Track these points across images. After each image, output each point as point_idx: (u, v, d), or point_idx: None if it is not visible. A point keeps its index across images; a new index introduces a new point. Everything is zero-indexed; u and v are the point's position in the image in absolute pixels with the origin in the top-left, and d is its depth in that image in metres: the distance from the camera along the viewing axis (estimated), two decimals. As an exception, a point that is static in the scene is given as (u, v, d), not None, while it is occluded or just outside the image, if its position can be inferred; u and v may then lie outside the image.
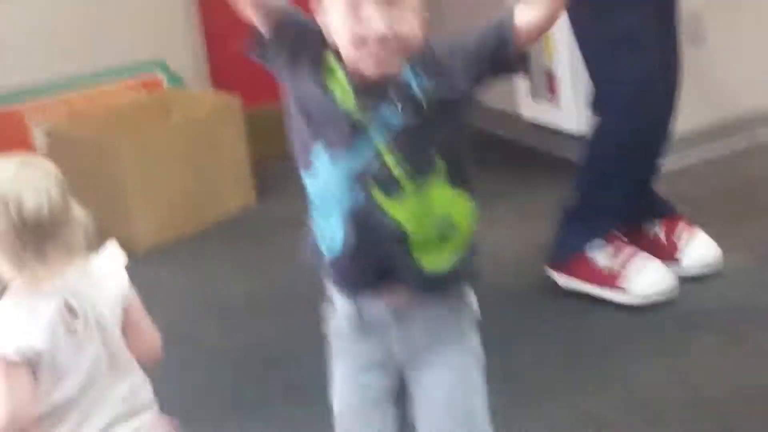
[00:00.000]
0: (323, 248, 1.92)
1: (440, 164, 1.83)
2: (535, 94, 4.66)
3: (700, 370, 3.09)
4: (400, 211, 1.85)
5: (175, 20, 4.90)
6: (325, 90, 1.80)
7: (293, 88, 1.84)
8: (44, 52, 4.51)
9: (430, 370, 1.94)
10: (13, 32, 4.45)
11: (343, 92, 1.81)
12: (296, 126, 1.86)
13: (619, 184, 3.46)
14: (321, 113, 1.82)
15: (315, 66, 1.83)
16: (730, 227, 3.67)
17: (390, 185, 1.83)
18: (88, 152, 4.27)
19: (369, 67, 1.77)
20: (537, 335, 3.35)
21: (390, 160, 1.82)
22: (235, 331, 3.60)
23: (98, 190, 4.07)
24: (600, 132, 3.48)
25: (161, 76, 4.71)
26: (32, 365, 1.90)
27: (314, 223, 1.94)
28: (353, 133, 1.81)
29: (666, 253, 3.48)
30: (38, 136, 4.43)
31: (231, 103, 4.58)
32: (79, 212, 1.98)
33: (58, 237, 1.89)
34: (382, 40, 1.70)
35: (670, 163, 3.84)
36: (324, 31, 1.81)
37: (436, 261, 1.88)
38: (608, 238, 3.41)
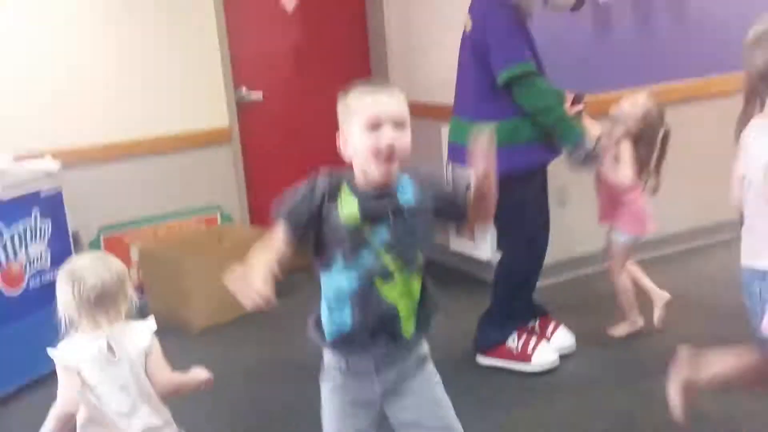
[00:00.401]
0: (334, 329, 2.02)
1: (420, 259, 2.02)
2: (459, 234, 4.88)
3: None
4: (392, 292, 1.99)
5: (228, 182, 5.05)
6: (339, 219, 1.93)
7: (320, 229, 1.96)
8: (142, 199, 4.75)
9: (410, 390, 2.08)
10: (125, 186, 4.68)
11: (352, 216, 1.93)
12: (319, 245, 1.99)
13: (520, 296, 3.76)
14: (338, 234, 1.94)
15: (333, 202, 1.96)
16: (579, 323, 3.98)
17: (386, 275, 1.97)
18: (166, 265, 4.51)
19: (380, 174, 1.92)
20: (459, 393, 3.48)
21: (387, 259, 1.96)
22: (257, 385, 3.76)
23: (171, 289, 4.43)
24: (505, 263, 3.79)
25: (217, 216, 4.98)
26: (77, 378, 2.20)
27: (325, 313, 2.05)
28: (361, 244, 1.94)
29: (540, 338, 3.78)
30: (134, 253, 4.73)
31: (262, 233, 4.71)
32: (130, 293, 2.36)
33: (105, 306, 2.26)
34: (391, 148, 1.87)
35: (542, 282, 4.07)
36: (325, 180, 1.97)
37: (412, 327, 2.03)
38: (518, 331, 3.71)
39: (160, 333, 4.20)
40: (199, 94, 4.90)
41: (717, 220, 4.86)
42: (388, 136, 1.87)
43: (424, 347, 2.14)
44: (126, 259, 4.61)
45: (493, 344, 3.74)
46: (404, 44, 5.39)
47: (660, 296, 4.00)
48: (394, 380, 2.08)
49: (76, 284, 2.26)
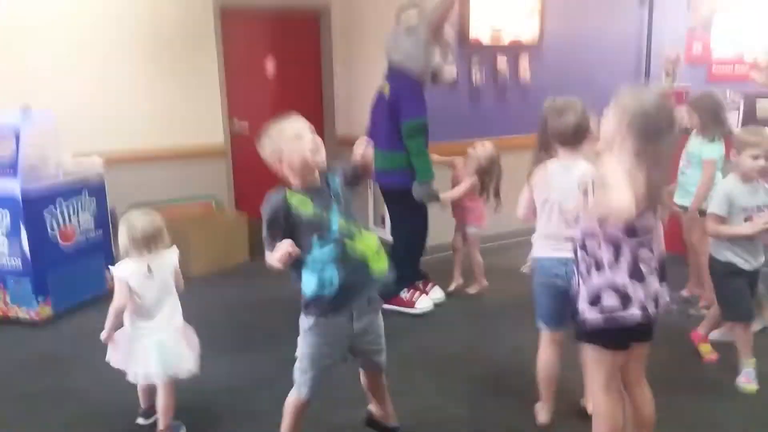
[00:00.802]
0: (324, 291, 1.93)
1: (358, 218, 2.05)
2: (375, 223, 5.04)
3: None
4: (359, 244, 1.97)
5: (221, 180, 5.07)
6: (305, 216, 1.92)
7: (294, 230, 1.92)
8: (160, 188, 4.73)
9: (372, 326, 2.09)
10: (148, 178, 4.70)
11: (309, 210, 1.91)
12: (294, 239, 1.90)
13: (408, 266, 3.76)
14: (310, 226, 1.92)
15: (291, 211, 1.92)
16: (447, 284, 4.05)
17: (351, 235, 1.95)
18: (175, 232, 3.97)
19: (310, 173, 1.93)
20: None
21: (345, 224, 1.96)
22: (235, 316, 3.73)
23: (181, 245, 4.30)
24: (395, 245, 3.80)
25: (212, 202, 4.97)
26: (126, 286, 2.37)
27: (312, 282, 1.94)
28: (326, 225, 1.93)
29: (422, 293, 3.85)
30: None
31: (242, 216, 4.84)
32: (165, 236, 2.47)
33: (148, 243, 2.39)
34: (317, 147, 1.93)
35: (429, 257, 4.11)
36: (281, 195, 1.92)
37: (382, 267, 2.00)
38: (408, 287, 3.79)
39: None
40: (205, 120, 4.93)
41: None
42: (309, 139, 1.95)
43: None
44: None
45: (391, 295, 3.73)
46: (345, 96, 5.42)
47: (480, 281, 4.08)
48: (364, 323, 2.05)
49: (131, 228, 2.40)
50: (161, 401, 2.48)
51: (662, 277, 1.97)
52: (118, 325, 2.46)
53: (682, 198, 3.57)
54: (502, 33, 4.87)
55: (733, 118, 4.46)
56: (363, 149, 2.18)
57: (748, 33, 5.70)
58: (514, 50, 5.01)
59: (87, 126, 4.35)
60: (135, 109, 4.63)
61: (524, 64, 5.06)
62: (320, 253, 1.95)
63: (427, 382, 2.98)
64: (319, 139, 1.98)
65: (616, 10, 5.52)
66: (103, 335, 2.44)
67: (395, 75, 3.63)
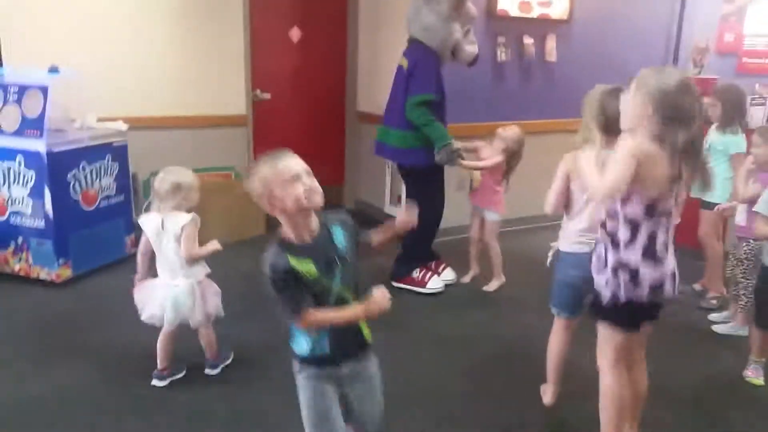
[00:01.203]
0: (316, 353, 1.77)
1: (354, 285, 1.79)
2: (391, 202, 5.05)
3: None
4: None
5: (241, 151, 5.00)
6: (305, 278, 1.68)
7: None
8: (182, 155, 4.22)
9: (362, 384, 1.85)
10: (170, 145, 4.61)
11: (312, 274, 1.69)
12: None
13: (421, 245, 3.84)
14: (308, 288, 1.70)
15: (294, 272, 1.68)
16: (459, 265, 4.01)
17: (345, 301, 1.74)
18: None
19: (305, 218, 1.70)
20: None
21: (342, 291, 1.74)
22: (252, 286, 3.65)
23: (199, 213, 4.48)
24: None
25: (231, 173, 4.97)
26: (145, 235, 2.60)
27: (303, 340, 1.77)
28: (326, 292, 1.72)
29: (433, 273, 3.88)
30: None
31: None
32: (194, 196, 2.63)
33: (170, 198, 2.56)
34: (312, 189, 1.68)
35: (440, 238, 4.17)
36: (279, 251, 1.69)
37: (367, 333, 1.84)
38: (420, 267, 3.83)
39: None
40: (229, 90, 4.90)
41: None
42: (304, 182, 1.69)
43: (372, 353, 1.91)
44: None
45: (403, 274, 3.84)
46: (368, 70, 5.36)
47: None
48: (353, 368, 1.84)
49: (160, 180, 2.58)
50: (203, 339, 2.78)
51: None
52: (145, 270, 2.69)
53: (699, 192, 3.53)
54: (532, 5, 4.82)
55: (760, 113, 4.42)
56: (405, 219, 1.94)
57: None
58: (542, 26, 4.96)
59: (112, 89, 4.36)
60: (160, 74, 4.64)
61: (551, 42, 5.01)
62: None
63: (436, 360, 3.03)
64: (315, 183, 1.73)
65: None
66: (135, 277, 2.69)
67: (413, 48, 3.61)
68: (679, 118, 1.84)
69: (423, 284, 3.81)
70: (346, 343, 1.81)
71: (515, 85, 4.98)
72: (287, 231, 1.73)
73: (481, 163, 3.78)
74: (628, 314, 2.02)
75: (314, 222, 1.75)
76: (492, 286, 3.95)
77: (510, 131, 3.79)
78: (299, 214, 1.70)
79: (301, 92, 5.40)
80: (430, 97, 3.52)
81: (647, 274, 1.95)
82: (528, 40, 4.91)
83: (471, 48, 3.73)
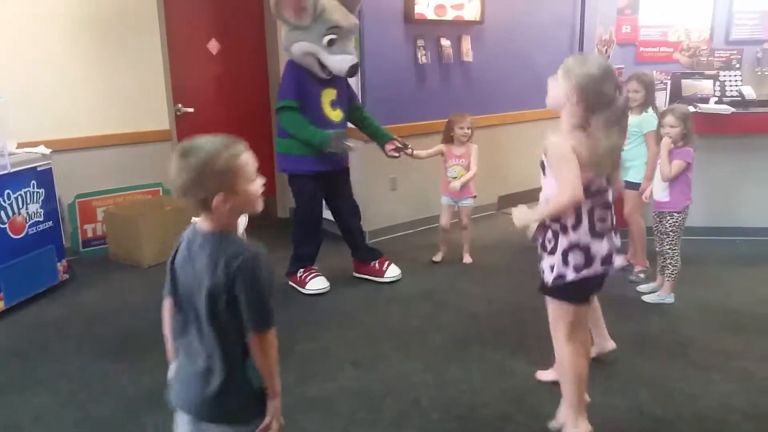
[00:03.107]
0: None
1: None
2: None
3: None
4: None
5: (166, 166, 4.89)
6: None
7: None
8: (107, 175, 4.70)
9: None
10: (94, 166, 4.64)
11: None
12: None
13: (303, 248, 3.91)
14: None
15: None
16: (406, 263, 4.14)
17: None
18: (124, 221, 4.44)
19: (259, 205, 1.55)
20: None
21: None
22: None
23: (128, 238, 4.38)
24: (292, 230, 3.95)
25: (160, 190, 4.91)
26: None
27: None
28: None
29: (380, 272, 4.00)
30: (99, 213, 4.67)
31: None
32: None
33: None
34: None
35: (386, 236, 4.39)
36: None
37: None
38: (304, 267, 3.90)
39: (121, 268, 4.25)
40: (150, 106, 4.84)
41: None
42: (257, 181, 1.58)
43: None
44: (93, 218, 4.67)
45: (290, 273, 3.93)
46: None
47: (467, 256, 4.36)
48: None
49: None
50: None
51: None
52: None
53: (622, 174, 3.79)
54: (446, 8, 5.00)
55: (662, 96, 4.81)
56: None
57: (672, 15, 6.05)
58: (457, 28, 5.16)
59: (30, 114, 4.24)
60: (79, 95, 4.53)
61: (467, 43, 5.23)
62: None
63: (393, 352, 3.12)
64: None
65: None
66: None
67: (286, 62, 3.76)
68: (603, 103, 1.98)
69: (303, 284, 3.87)
70: None
71: (437, 85, 5.16)
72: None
73: (426, 152, 4.15)
74: (578, 290, 2.17)
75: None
76: (468, 259, 4.36)
77: (469, 117, 4.24)
78: (234, 221, 1.52)
79: (224, 104, 5.38)
80: (290, 103, 3.59)
81: (597, 249, 2.11)
82: (445, 42, 5.11)
83: (337, 57, 3.55)
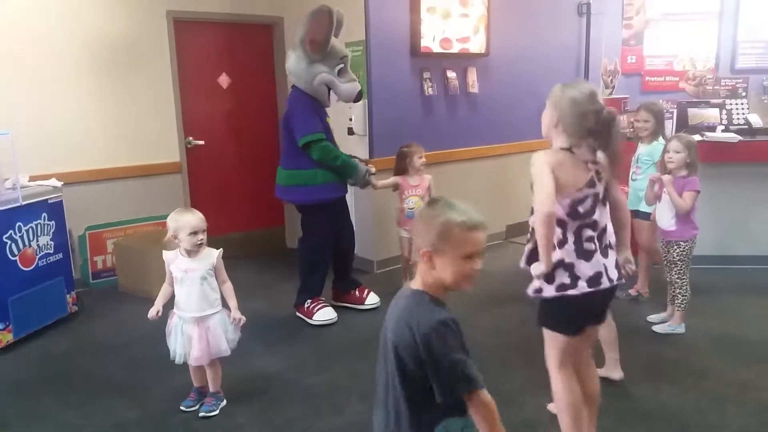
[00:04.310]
0: None
1: None
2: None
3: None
4: None
5: (178, 198, 4.94)
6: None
7: None
8: (117, 208, 4.73)
9: None
10: (105, 199, 4.67)
11: None
12: None
13: (312, 280, 3.90)
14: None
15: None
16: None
17: None
18: (133, 253, 4.46)
19: None
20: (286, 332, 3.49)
21: None
22: None
23: (137, 269, 4.37)
24: (302, 256, 3.93)
25: None
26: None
27: None
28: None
29: (360, 299, 4.02)
30: (109, 245, 4.69)
31: None
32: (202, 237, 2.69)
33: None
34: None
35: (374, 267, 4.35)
36: None
37: None
38: (312, 298, 3.88)
39: (130, 300, 4.23)
40: (161, 138, 4.89)
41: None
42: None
43: None
44: (103, 249, 4.69)
45: (297, 304, 3.92)
46: None
47: None
48: None
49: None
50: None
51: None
52: None
53: (634, 204, 3.78)
54: (452, 41, 5.06)
55: (668, 125, 4.81)
56: None
57: (677, 45, 6.11)
58: (463, 60, 5.21)
59: (42, 147, 4.30)
60: (91, 128, 4.58)
61: (473, 74, 5.27)
62: None
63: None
64: None
65: (557, 21, 5.82)
66: None
67: (291, 94, 3.84)
68: (588, 120, 2.01)
69: (310, 315, 3.85)
70: None
71: (443, 116, 5.18)
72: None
73: (381, 182, 4.10)
74: (572, 316, 2.12)
75: None
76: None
77: (421, 147, 4.20)
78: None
79: (234, 136, 5.43)
80: (320, 135, 3.68)
81: (583, 269, 2.06)
82: (451, 74, 5.14)
83: (348, 85, 3.79)
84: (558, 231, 2.07)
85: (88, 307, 4.21)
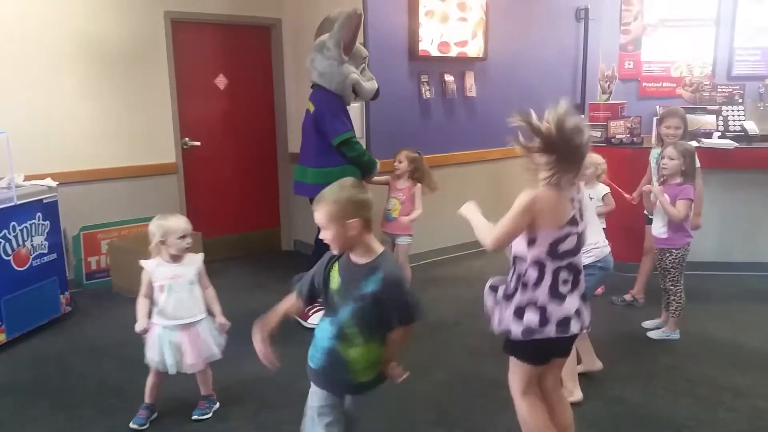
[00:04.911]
0: (311, 360, 1.97)
1: (375, 334, 1.87)
2: None
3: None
4: (350, 353, 1.88)
5: (173, 198, 4.98)
6: (328, 283, 1.88)
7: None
8: (112, 208, 4.71)
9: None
10: (100, 199, 4.66)
11: (335, 283, 1.88)
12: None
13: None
14: (325, 294, 1.90)
15: (326, 273, 1.90)
16: None
17: (346, 340, 1.86)
18: (127, 253, 4.34)
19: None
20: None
21: (349, 328, 1.85)
22: None
23: (131, 270, 3.87)
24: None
25: None
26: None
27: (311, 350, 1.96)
28: (336, 308, 1.87)
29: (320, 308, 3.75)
30: (104, 246, 4.68)
31: (195, 235, 4.36)
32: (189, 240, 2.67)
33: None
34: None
35: None
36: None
37: (366, 377, 1.91)
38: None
39: (124, 300, 4.22)
40: (157, 139, 4.89)
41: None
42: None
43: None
44: (98, 250, 4.68)
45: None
46: (297, 112, 5.30)
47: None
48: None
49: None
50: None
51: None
52: None
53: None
54: (450, 45, 5.07)
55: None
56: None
57: (675, 51, 6.12)
58: (461, 64, 5.22)
59: (37, 146, 4.29)
60: (86, 127, 4.58)
61: (470, 78, 5.28)
62: (320, 328, 1.99)
63: (395, 389, 3.05)
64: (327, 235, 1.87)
65: (555, 26, 5.84)
66: None
67: (316, 93, 3.87)
68: (573, 160, 1.94)
69: (306, 318, 3.82)
70: (331, 365, 1.95)
71: (440, 119, 5.20)
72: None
73: (377, 178, 4.10)
74: (536, 352, 2.09)
75: None
76: None
77: (405, 152, 4.19)
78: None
79: (231, 138, 5.42)
80: (351, 134, 3.79)
81: (554, 311, 2.01)
82: (449, 78, 5.16)
83: (369, 84, 3.97)
84: (535, 271, 2.02)
85: (82, 308, 4.20)
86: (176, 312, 2.66)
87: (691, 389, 3.00)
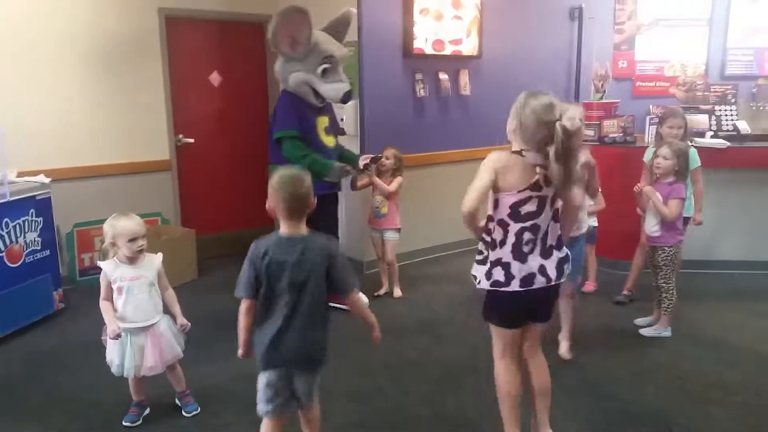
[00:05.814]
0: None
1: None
2: None
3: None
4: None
5: (167, 196, 5.00)
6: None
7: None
8: (105, 205, 4.30)
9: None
10: (93, 196, 4.62)
11: None
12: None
13: None
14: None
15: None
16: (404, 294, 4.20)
17: None
18: None
19: None
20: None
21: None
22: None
23: None
24: None
25: (158, 219, 4.94)
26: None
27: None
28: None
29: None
30: (97, 243, 4.62)
31: (190, 232, 4.81)
32: (143, 243, 2.59)
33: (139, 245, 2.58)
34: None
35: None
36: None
37: None
38: None
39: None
40: (151, 136, 4.89)
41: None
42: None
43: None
44: (91, 247, 4.67)
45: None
46: None
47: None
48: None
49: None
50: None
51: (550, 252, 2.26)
52: None
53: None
54: (444, 43, 5.09)
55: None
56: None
57: (668, 51, 6.16)
58: (455, 62, 5.23)
59: (31, 143, 4.28)
60: (80, 124, 4.57)
61: (465, 77, 5.29)
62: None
63: (389, 384, 3.07)
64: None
65: (549, 24, 5.85)
66: None
67: (281, 93, 3.89)
68: (541, 135, 2.11)
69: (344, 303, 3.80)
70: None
71: (434, 117, 5.20)
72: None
73: (365, 180, 4.21)
74: (507, 312, 2.28)
75: None
76: (398, 292, 4.35)
77: (392, 150, 4.26)
78: None
79: (225, 135, 5.42)
80: (291, 132, 3.70)
81: (517, 268, 2.20)
82: (443, 76, 5.17)
83: (332, 86, 3.75)
84: (500, 231, 2.22)
85: (75, 305, 4.20)
86: (135, 315, 2.59)
87: (682, 386, 3.04)
